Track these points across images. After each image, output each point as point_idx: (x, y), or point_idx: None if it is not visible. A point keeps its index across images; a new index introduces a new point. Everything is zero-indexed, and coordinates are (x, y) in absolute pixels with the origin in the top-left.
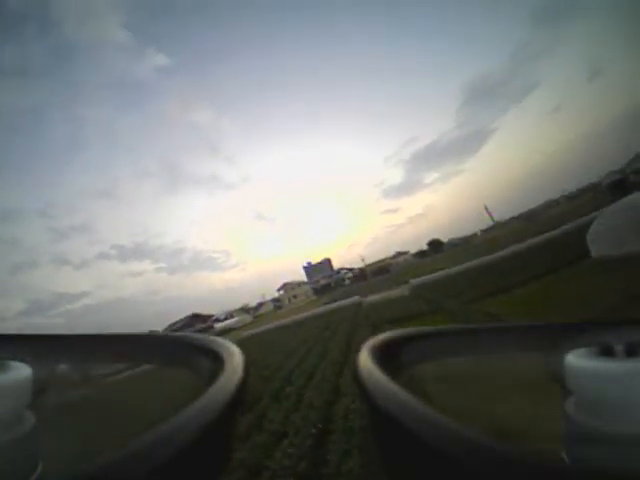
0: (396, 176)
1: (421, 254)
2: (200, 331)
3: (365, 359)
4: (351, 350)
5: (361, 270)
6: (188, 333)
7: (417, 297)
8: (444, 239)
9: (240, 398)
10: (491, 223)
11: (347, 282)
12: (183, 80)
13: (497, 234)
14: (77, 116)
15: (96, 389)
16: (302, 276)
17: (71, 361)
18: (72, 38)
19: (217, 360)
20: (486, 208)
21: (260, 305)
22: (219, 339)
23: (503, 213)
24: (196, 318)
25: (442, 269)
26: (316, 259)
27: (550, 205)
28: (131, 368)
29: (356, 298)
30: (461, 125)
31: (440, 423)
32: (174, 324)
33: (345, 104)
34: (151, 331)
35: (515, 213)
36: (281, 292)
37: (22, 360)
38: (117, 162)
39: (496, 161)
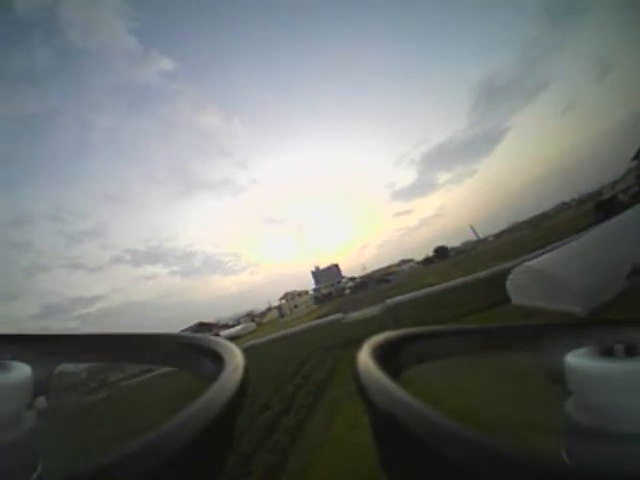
0: (408, 177)
1: (427, 261)
2: None
3: (365, 359)
4: (298, 375)
5: (362, 279)
6: (189, 333)
7: (380, 319)
8: (458, 242)
9: (240, 398)
10: (504, 227)
11: (347, 292)
12: (191, 83)
13: (495, 245)
14: (86, 121)
15: (107, 393)
16: (311, 279)
17: (71, 361)
18: (79, 44)
19: (217, 360)
20: (472, 227)
21: (268, 310)
22: (219, 339)
23: (517, 215)
24: (203, 326)
25: (431, 285)
26: (327, 261)
27: (562, 208)
28: (132, 368)
29: (339, 315)
30: (473, 125)
31: (440, 423)
32: (182, 332)
33: (355, 106)
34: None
35: (529, 215)
36: (283, 301)
37: (22, 360)
38: (127, 166)
39: (510, 161)
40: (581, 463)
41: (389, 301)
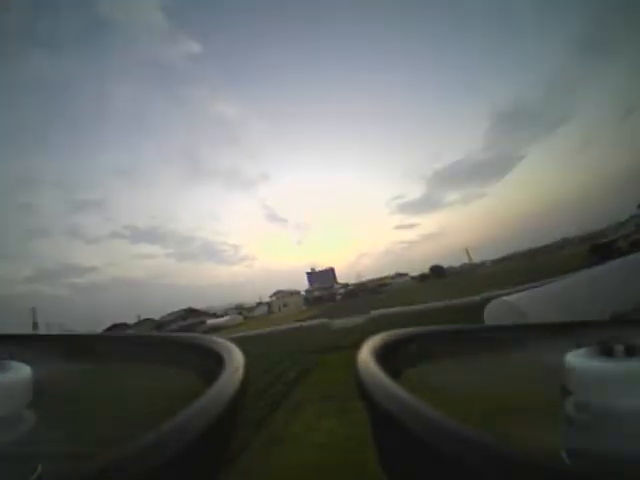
0: (415, 192)
1: (422, 278)
2: (192, 325)
3: (365, 358)
4: (269, 373)
5: (354, 287)
6: (189, 333)
7: (360, 330)
8: (457, 262)
9: (240, 398)
10: (504, 254)
11: (338, 298)
12: (215, 70)
13: (491, 271)
14: (104, 93)
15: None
16: (305, 280)
17: (71, 361)
18: (106, 15)
19: (217, 360)
20: (467, 251)
21: (257, 305)
22: (220, 339)
23: (519, 244)
24: (191, 312)
25: (421, 302)
26: (324, 264)
27: (564, 244)
28: (132, 368)
29: (324, 320)
30: (488, 148)
31: (440, 423)
32: (170, 314)
33: (374, 114)
34: (147, 318)
35: (530, 245)
36: (273, 298)
37: (22, 360)
38: (139, 143)
39: (520, 189)
40: (581, 463)
41: (374, 312)
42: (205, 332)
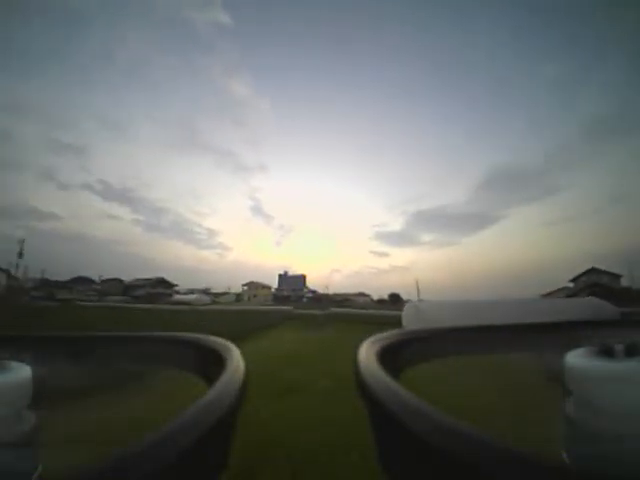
0: (395, 224)
1: (380, 301)
2: (160, 295)
3: (366, 358)
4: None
5: (320, 296)
6: (189, 333)
7: (313, 315)
8: (414, 297)
9: (241, 399)
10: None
11: (305, 300)
12: (238, 47)
13: None
14: (116, 36)
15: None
16: (275, 281)
17: (71, 361)
18: None
19: (217, 360)
20: (417, 283)
21: (224, 293)
22: (219, 339)
23: (472, 294)
24: (161, 283)
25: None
26: (297, 270)
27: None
28: (132, 368)
29: (291, 307)
30: (472, 202)
31: (440, 422)
32: (139, 280)
33: (378, 135)
34: (115, 278)
35: (485, 297)
36: (245, 288)
37: (22, 360)
38: (137, 97)
39: (489, 246)
40: (581, 463)
41: (333, 309)
42: (173, 304)
